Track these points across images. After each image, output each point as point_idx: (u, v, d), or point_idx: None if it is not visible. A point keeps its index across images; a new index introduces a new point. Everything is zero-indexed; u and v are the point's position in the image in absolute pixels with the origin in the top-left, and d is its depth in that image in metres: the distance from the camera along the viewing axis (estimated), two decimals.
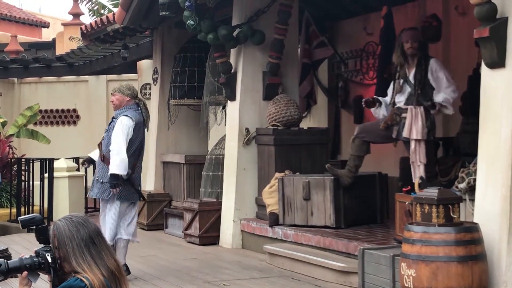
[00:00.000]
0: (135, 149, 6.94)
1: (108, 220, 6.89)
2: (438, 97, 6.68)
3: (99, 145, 7.17)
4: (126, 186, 6.86)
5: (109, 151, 6.81)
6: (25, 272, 3.00)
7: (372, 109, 7.25)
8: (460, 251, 5.00)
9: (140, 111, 7.02)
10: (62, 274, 3.04)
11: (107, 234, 6.75)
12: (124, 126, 6.78)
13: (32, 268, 2.99)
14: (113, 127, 6.90)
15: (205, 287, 6.46)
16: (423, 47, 6.83)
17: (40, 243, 3.06)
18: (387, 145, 7.58)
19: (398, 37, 7.21)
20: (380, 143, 7.52)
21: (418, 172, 6.70)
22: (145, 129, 7.14)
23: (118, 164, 6.68)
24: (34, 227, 3.05)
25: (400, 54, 6.81)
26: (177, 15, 8.74)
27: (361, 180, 7.64)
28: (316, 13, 10.20)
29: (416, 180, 6.25)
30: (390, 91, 7.11)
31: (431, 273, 5.00)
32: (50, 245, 3.06)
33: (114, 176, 6.68)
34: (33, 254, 3.04)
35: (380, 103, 7.14)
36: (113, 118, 7.09)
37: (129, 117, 6.83)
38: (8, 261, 2.97)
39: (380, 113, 7.18)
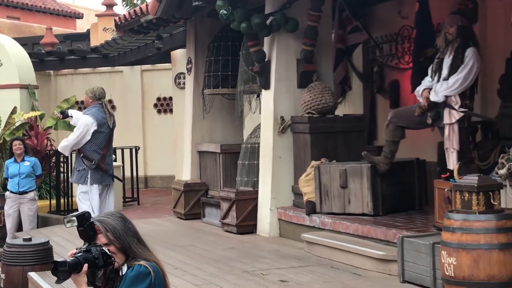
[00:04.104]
0: (102, 141, 8.70)
1: (91, 199, 8.69)
2: (437, 96, 6.62)
3: None
4: (97, 171, 8.66)
5: (84, 144, 8.70)
6: (86, 265, 3.01)
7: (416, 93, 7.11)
8: (501, 238, 4.94)
9: (103, 109, 8.77)
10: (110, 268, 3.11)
11: (95, 211, 8.54)
12: (82, 123, 8.62)
13: (89, 265, 3.02)
14: None
15: (244, 277, 6.48)
16: (462, 33, 6.67)
17: (85, 240, 3.07)
18: (424, 130, 7.50)
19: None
20: (415, 129, 7.44)
21: (451, 158, 6.63)
22: (111, 125, 8.91)
23: (63, 146, 8.80)
24: (84, 224, 3.07)
25: (443, 38, 6.73)
26: (210, 5, 8.73)
27: (399, 166, 7.59)
28: None
29: (455, 167, 6.17)
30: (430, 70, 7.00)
31: (472, 261, 4.95)
32: (96, 242, 3.09)
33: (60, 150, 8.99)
34: (75, 253, 3.07)
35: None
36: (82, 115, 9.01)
37: (90, 115, 8.61)
38: (68, 261, 2.99)
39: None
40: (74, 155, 9.59)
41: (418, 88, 7.01)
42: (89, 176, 8.67)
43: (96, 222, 3.15)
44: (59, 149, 9.03)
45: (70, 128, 13.82)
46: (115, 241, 3.12)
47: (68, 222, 3.08)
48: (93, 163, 8.56)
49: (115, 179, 9.44)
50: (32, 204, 10.20)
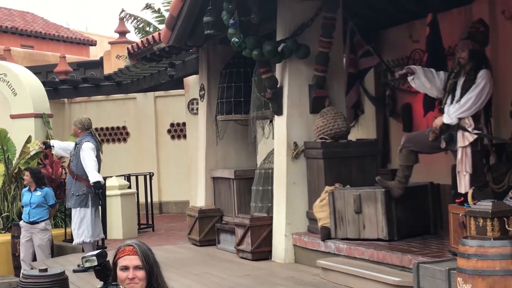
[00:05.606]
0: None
1: (89, 223, 9.11)
2: (450, 119, 6.64)
3: (68, 166, 9.57)
4: (95, 195, 9.11)
5: (82, 170, 9.05)
6: None
7: (409, 79, 7.13)
8: None
9: (94, 138, 9.23)
10: None
11: (92, 233, 9.13)
12: (89, 149, 9.06)
13: None
14: (78, 151, 9.13)
15: None
16: (474, 56, 6.71)
17: (102, 279, 3.09)
18: (437, 153, 7.49)
19: None
20: (428, 153, 7.43)
21: (463, 181, 6.62)
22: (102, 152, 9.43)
23: (96, 174, 9.03)
24: (102, 263, 3.08)
25: (456, 62, 6.77)
26: (222, 33, 8.80)
27: (413, 191, 7.57)
28: (361, 23, 10.16)
29: (469, 192, 6.16)
30: (442, 74, 7.00)
31: None
32: (109, 280, 3.10)
33: (98, 183, 9.03)
34: None
35: (413, 73, 7.03)
36: (76, 144, 9.32)
37: (90, 142, 9.12)
38: None
39: (420, 82, 7.06)
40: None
41: (418, 81, 7.05)
42: (90, 200, 9.10)
43: (133, 244, 3.18)
44: (100, 179, 9.12)
45: None
46: (147, 267, 3.15)
47: (87, 261, 3.09)
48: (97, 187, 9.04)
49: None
50: (43, 234, 10.22)
